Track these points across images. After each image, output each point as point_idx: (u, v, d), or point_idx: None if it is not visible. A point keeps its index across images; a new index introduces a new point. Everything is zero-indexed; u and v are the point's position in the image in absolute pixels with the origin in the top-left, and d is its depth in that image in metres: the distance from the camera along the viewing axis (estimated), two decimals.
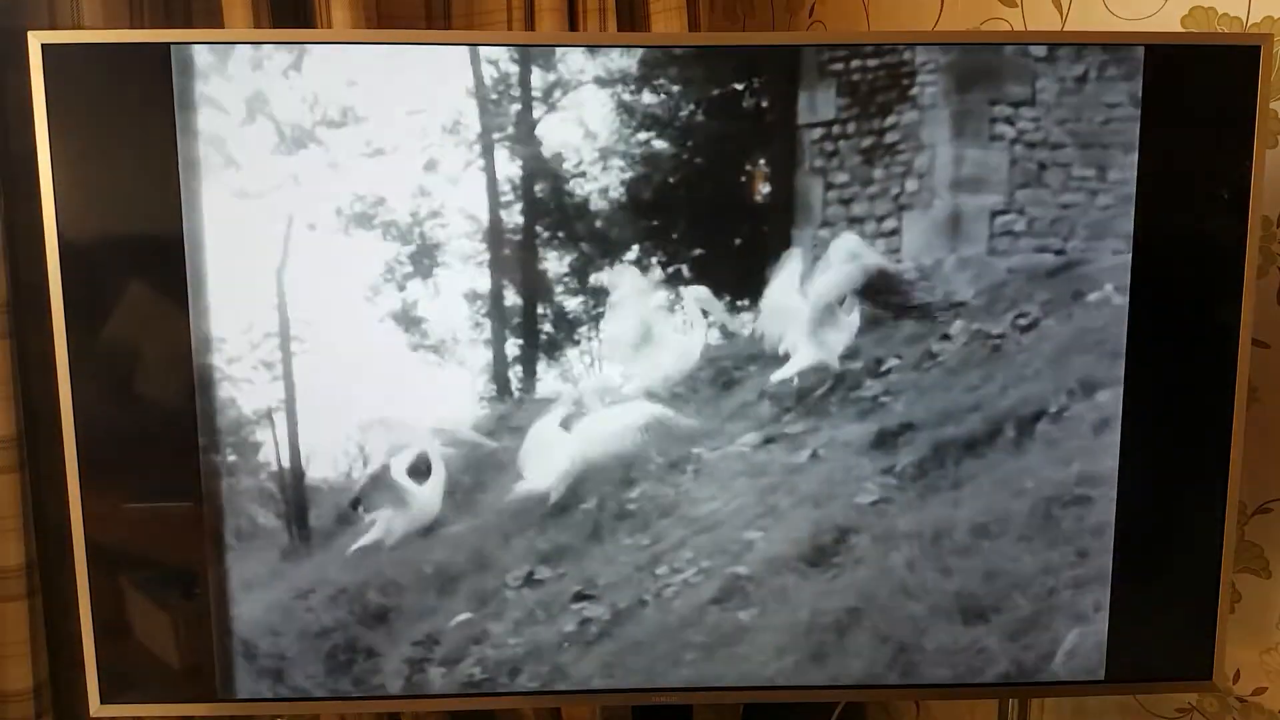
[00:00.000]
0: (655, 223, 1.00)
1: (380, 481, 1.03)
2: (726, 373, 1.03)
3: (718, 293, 1.01)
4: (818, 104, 0.98)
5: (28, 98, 0.95)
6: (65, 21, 1.17)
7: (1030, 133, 0.99)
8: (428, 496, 1.04)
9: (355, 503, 1.04)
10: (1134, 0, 1.21)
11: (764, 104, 0.98)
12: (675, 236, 1.00)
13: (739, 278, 1.01)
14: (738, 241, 1.00)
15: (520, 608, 1.07)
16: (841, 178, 0.99)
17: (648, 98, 0.97)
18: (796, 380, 1.02)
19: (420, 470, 1.04)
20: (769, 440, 1.04)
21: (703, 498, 1.05)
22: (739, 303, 1.01)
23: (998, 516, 1.05)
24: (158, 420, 1.03)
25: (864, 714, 1.68)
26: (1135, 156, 0.99)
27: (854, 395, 1.03)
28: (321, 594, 1.06)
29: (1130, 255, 1.01)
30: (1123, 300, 1.02)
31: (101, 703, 1.07)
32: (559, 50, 0.97)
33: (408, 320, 1.01)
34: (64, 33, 1.09)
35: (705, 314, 1.01)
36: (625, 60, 0.97)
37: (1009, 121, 0.99)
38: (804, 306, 1.01)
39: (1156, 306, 1.03)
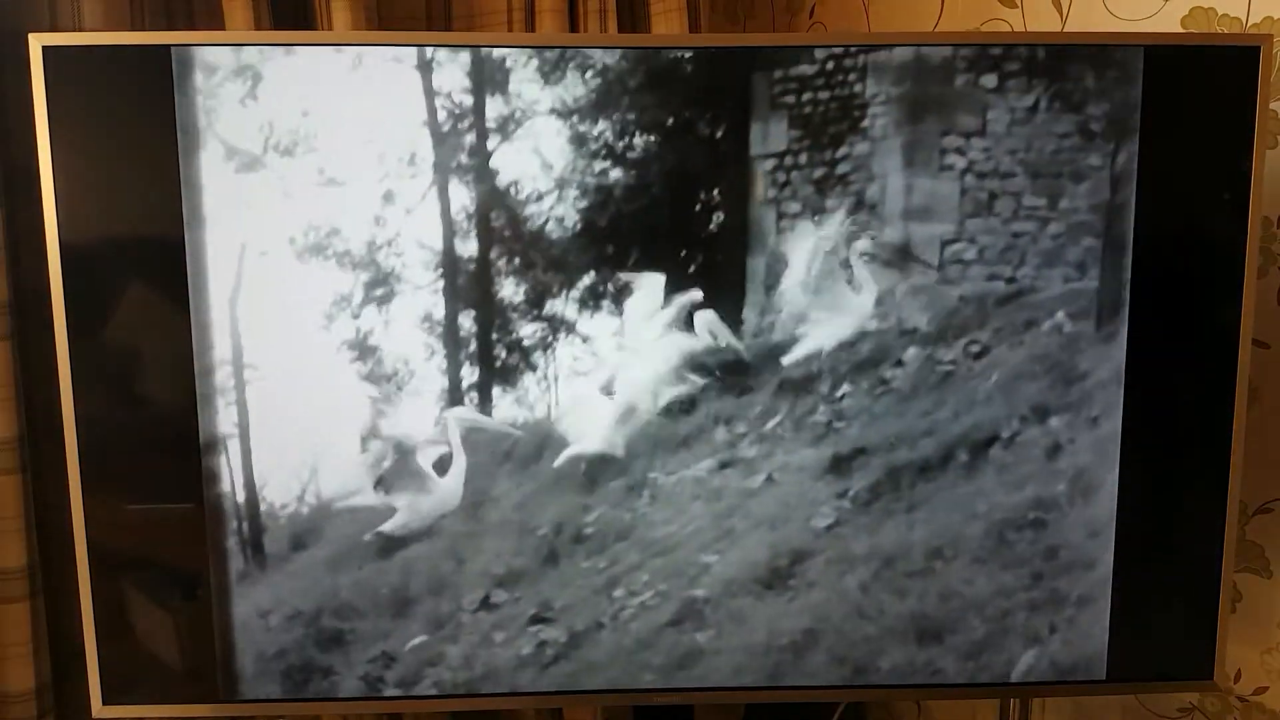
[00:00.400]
0: (611, 250, 1.00)
1: (404, 468, 1.04)
2: (680, 399, 1.04)
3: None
4: (770, 135, 0.99)
5: (28, 99, 0.95)
6: (66, 23, 1.17)
7: (981, 163, 1.00)
8: (449, 485, 1.04)
9: (377, 484, 1.04)
10: (1134, 1, 1.21)
11: (717, 135, 0.99)
12: (630, 264, 1.01)
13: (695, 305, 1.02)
14: (692, 270, 1.01)
15: (477, 630, 1.08)
16: (794, 208, 1.00)
17: (601, 127, 0.98)
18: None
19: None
20: (725, 465, 1.05)
21: (659, 521, 1.06)
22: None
23: (951, 539, 1.06)
24: (159, 421, 1.03)
25: (865, 714, 1.68)
26: (1086, 185, 1.00)
27: (809, 420, 1.04)
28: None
29: (1087, 280, 1.02)
30: (1074, 328, 1.02)
31: (104, 704, 1.07)
32: (514, 83, 0.97)
33: (363, 348, 1.01)
34: (65, 35, 1.09)
35: (714, 336, 1.02)
36: (580, 89, 0.97)
37: (960, 152, 1.00)
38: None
39: (1157, 306, 1.03)
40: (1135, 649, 1.10)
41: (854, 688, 1.11)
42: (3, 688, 1.19)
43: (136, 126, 0.98)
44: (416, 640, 1.07)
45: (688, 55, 0.98)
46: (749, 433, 1.04)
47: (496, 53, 0.97)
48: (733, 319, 1.02)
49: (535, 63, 0.97)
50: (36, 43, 0.94)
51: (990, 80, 0.98)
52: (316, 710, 1.12)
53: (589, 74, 0.97)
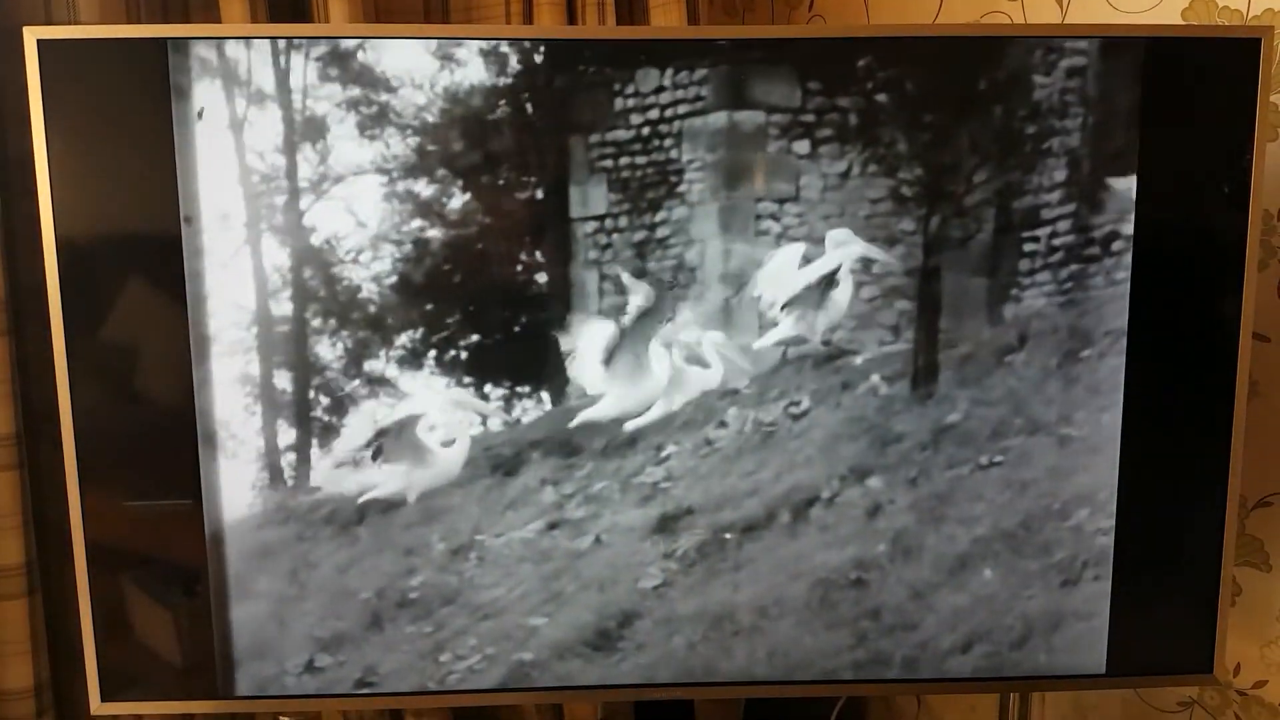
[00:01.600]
0: (430, 308, 1.01)
1: (403, 438, 1.04)
2: (506, 460, 1.04)
3: (497, 379, 1.02)
4: (589, 198, 1.00)
5: (24, 94, 0.94)
6: (61, 17, 1.16)
7: (795, 227, 1.01)
8: (451, 457, 1.04)
9: (375, 454, 1.04)
10: None
11: (537, 196, 1.00)
12: (450, 323, 1.01)
13: (517, 365, 1.03)
14: (516, 330, 1.02)
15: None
16: (616, 269, 1.01)
17: (421, 186, 0.99)
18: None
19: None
20: (552, 526, 1.06)
21: (486, 584, 1.06)
22: (518, 389, 1.03)
23: (777, 598, 1.07)
24: (156, 418, 1.03)
25: (865, 709, 1.68)
26: (899, 250, 1.01)
27: (636, 481, 1.05)
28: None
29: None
30: (890, 389, 1.04)
31: (102, 700, 1.07)
32: (330, 140, 0.97)
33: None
34: (60, 28, 1.09)
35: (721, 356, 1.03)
36: (402, 147, 0.98)
37: (774, 217, 1.01)
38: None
39: (1157, 300, 1.02)
40: (1135, 643, 1.10)
41: (855, 682, 1.11)
42: (1, 685, 1.19)
43: (132, 120, 0.98)
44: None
45: (505, 112, 0.98)
46: (576, 494, 1.05)
47: (316, 107, 0.96)
48: (558, 381, 1.03)
49: (354, 118, 0.97)
50: (31, 36, 0.94)
51: (803, 146, 1.00)
52: (315, 707, 1.12)
53: (408, 132, 0.97)
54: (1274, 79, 1.02)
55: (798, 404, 1.04)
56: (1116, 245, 1.01)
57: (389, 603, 1.06)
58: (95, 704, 1.07)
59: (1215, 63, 1.00)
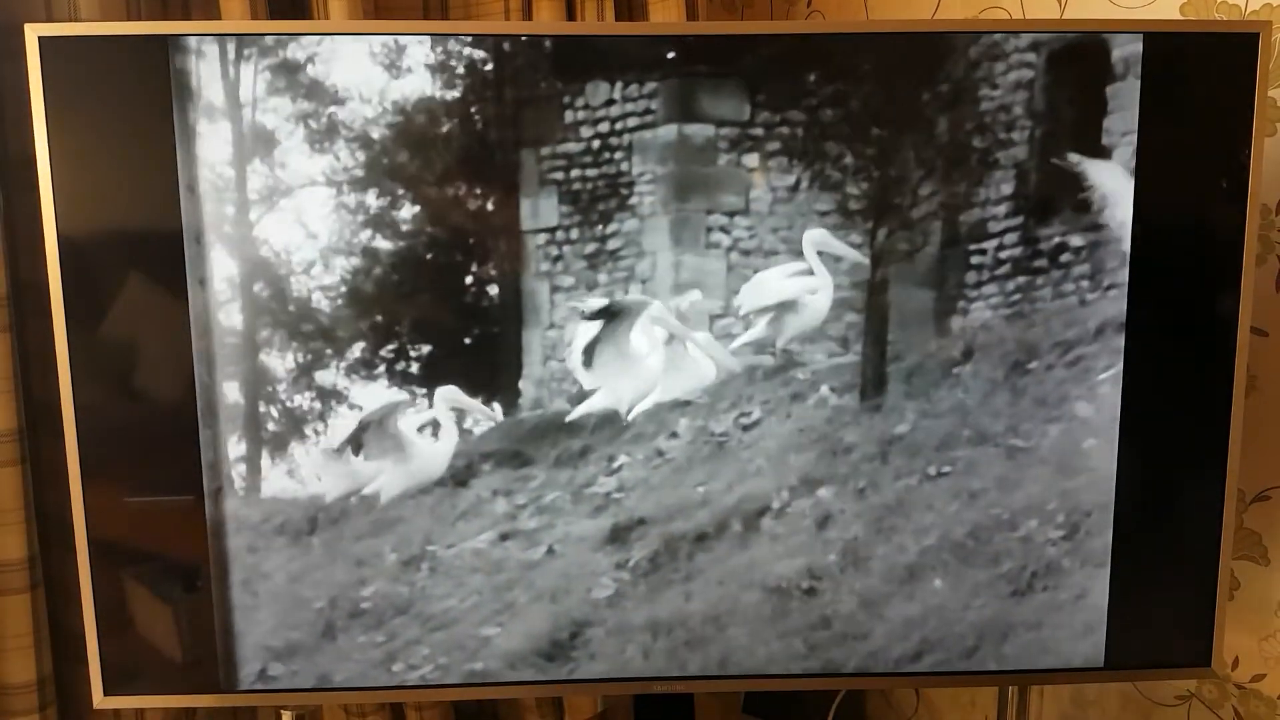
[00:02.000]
0: (379, 319, 1.01)
1: (383, 431, 1.04)
2: (461, 471, 1.05)
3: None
4: (540, 210, 1.00)
5: (25, 91, 0.95)
6: (62, 14, 1.16)
7: (745, 240, 1.01)
8: (437, 453, 1.04)
9: (356, 448, 1.04)
10: None
11: (488, 208, 1.00)
12: (402, 332, 1.02)
13: (473, 376, 1.03)
14: (468, 341, 1.02)
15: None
16: (567, 281, 1.01)
17: (372, 198, 0.99)
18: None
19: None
20: (505, 536, 1.06)
21: (438, 595, 1.06)
22: (479, 399, 1.03)
23: (729, 608, 1.08)
24: (158, 413, 1.03)
25: (864, 702, 1.68)
26: (846, 262, 1.02)
27: (588, 491, 1.05)
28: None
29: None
30: (840, 401, 1.04)
31: (104, 695, 1.07)
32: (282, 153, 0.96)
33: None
34: (61, 25, 1.09)
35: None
36: (350, 159, 0.98)
37: (724, 230, 1.01)
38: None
39: (1156, 294, 1.03)
40: (1133, 637, 1.10)
41: (854, 675, 1.11)
42: (4, 680, 1.19)
43: (133, 117, 0.98)
44: None
45: (456, 125, 0.98)
46: (528, 504, 1.06)
47: (265, 120, 0.96)
48: (509, 392, 1.03)
49: (303, 131, 0.97)
50: (32, 34, 0.94)
51: (752, 160, 1.00)
52: (317, 700, 1.13)
53: (356, 146, 0.98)
54: (1272, 74, 1.02)
55: (749, 415, 1.04)
56: (1114, 242, 1.01)
57: (341, 613, 1.07)
58: (97, 698, 1.08)
59: (1213, 57, 1.00)
